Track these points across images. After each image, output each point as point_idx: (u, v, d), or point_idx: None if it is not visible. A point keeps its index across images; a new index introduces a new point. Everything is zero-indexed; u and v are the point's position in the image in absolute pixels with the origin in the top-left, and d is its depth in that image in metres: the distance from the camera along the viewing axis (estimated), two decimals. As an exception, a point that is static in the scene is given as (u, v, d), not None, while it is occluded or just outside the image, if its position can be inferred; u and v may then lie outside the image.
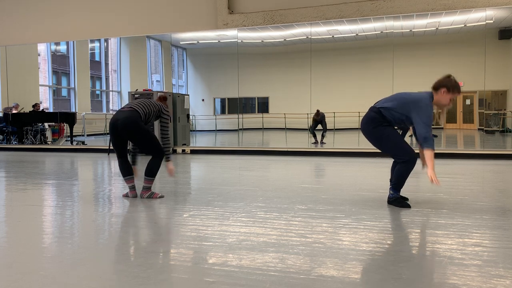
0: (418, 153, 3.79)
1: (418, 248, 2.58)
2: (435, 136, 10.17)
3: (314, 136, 10.01)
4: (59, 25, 10.74)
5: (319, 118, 9.85)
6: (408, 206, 3.71)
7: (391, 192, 3.82)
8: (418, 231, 2.96)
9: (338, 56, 10.84)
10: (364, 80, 10.21)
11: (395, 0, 8.27)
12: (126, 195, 4.35)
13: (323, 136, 10.05)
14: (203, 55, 12.93)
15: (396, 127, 3.80)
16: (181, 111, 9.97)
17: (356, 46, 10.59)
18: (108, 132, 12.15)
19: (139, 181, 4.92)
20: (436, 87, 3.63)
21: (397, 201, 3.78)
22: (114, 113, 4.10)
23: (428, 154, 3.50)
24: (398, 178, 3.73)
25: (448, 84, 3.59)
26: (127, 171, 4.29)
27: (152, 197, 4.24)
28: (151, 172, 4.22)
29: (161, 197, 4.29)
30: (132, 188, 4.31)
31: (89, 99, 13.89)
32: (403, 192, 4.29)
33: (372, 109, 3.80)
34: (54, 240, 2.86)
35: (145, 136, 4.11)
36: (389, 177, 3.85)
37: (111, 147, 9.74)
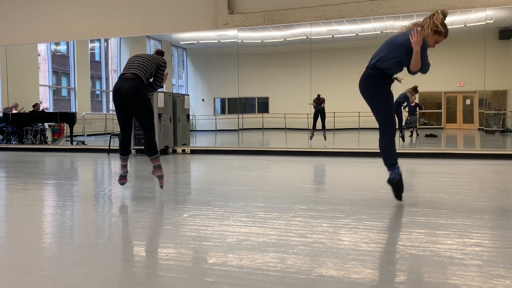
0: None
1: (418, 248, 2.58)
2: (435, 136, 10.17)
3: (314, 128, 9.92)
4: (59, 25, 10.73)
5: (319, 102, 9.83)
6: (400, 199, 3.73)
7: (389, 172, 3.74)
8: (418, 231, 2.95)
9: (338, 56, 10.84)
10: (364, 80, 10.20)
11: (395, 0, 8.27)
12: (120, 180, 4.38)
13: (324, 127, 9.97)
14: (203, 55, 12.93)
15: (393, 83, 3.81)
16: (181, 111, 9.97)
17: (356, 46, 10.59)
18: (107, 132, 12.19)
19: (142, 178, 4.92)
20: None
21: (397, 185, 3.70)
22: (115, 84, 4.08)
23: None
24: (385, 152, 3.71)
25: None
26: (126, 150, 4.32)
27: (160, 179, 4.34)
28: (153, 149, 4.24)
29: (161, 187, 4.42)
30: (125, 166, 4.36)
31: (89, 99, 13.90)
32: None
33: (368, 67, 3.80)
34: (54, 240, 2.85)
35: (147, 107, 4.16)
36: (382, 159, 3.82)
37: (111, 148, 9.73)
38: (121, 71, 4.24)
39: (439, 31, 3.63)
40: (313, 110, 9.96)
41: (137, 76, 4.08)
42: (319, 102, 9.87)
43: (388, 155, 3.72)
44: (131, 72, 4.11)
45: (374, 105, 3.78)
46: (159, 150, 4.42)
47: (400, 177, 3.71)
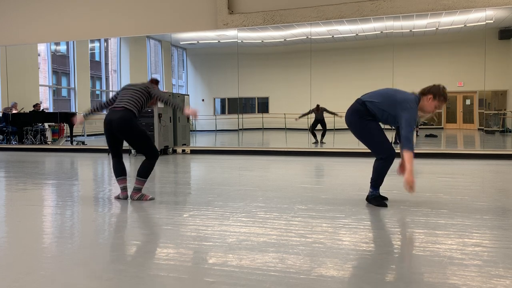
0: (398, 153, 3.79)
1: (418, 248, 2.58)
2: (435, 136, 10.18)
3: (314, 136, 10.01)
4: (59, 25, 10.74)
5: (319, 112, 9.87)
6: (385, 206, 3.74)
7: (370, 190, 3.86)
8: (418, 231, 2.96)
9: (338, 56, 10.84)
10: (364, 80, 10.22)
11: (395, 0, 8.27)
12: (117, 197, 4.30)
13: (323, 136, 10.05)
14: (203, 55, 12.94)
15: (380, 123, 3.83)
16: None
17: (356, 46, 10.60)
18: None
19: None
20: (424, 92, 3.67)
21: (375, 199, 3.81)
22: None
23: (407, 156, 3.45)
24: (377, 175, 3.78)
25: (435, 92, 3.62)
26: (120, 171, 4.23)
27: (142, 199, 4.17)
28: (143, 173, 4.15)
29: (152, 199, 4.21)
30: (124, 189, 4.25)
31: (89, 99, 13.90)
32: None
33: (357, 101, 3.84)
34: (54, 240, 2.86)
35: (140, 137, 4.06)
36: (371, 176, 3.88)
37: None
38: (116, 100, 4.21)
39: (441, 99, 3.65)
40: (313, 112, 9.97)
41: (126, 108, 4.06)
42: (318, 112, 9.91)
43: (380, 176, 3.79)
44: (121, 105, 4.09)
45: (362, 138, 3.83)
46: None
47: (377, 194, 3.84)
